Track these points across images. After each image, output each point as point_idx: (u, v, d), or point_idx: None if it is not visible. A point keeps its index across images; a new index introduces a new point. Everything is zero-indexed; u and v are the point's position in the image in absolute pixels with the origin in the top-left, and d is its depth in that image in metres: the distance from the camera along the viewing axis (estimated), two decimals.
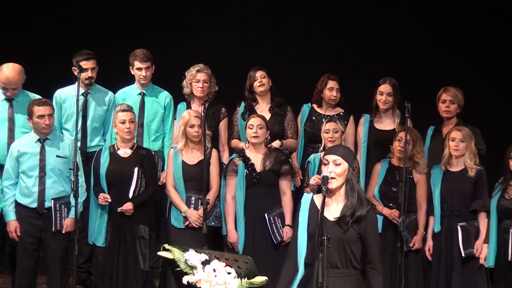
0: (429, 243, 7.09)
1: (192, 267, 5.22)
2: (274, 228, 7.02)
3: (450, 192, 7.03)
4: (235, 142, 7.70)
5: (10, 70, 7.23)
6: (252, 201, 7.06)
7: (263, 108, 7.68)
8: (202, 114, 6.85)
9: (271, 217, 7.02)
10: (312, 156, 7.26)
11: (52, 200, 6.91)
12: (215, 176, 7.17)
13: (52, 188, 6.95)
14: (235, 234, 7.04)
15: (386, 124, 7.63)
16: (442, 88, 7.56)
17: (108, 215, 7.07)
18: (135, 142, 7.25)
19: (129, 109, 7.13)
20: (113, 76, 8.07)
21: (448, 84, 7.56)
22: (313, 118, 7.68)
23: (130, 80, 7.85)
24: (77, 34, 9.25)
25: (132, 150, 7.13)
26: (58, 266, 6.96)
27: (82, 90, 7.43)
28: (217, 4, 9.45)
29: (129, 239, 7.03)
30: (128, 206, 6.97)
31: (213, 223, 7.12)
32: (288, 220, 7.07)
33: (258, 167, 7.09)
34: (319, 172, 6.75)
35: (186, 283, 5.20)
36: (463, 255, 6.92)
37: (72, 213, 6.91)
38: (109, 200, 6.97)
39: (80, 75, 7.04)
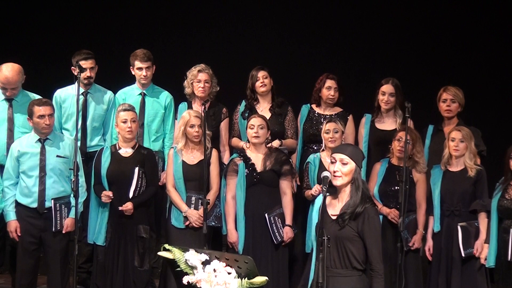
0: (429, 243, 7.09)
1: (192, 267, 5.22)
2: (275, 228, 7.01)
3: (450, 192, 7.03)
4: (235, 141, 7.70)
5: (9, 70, 7.23)
6: (253, 201, 7.06)
7: (264, 107, 7.68)
8: (202, 114, 6.85)
9: (272, 217, 7.02)
10: (311, 157, 7.25)
11: (52, 200, 6.91)
12: (215, 176, 7.17)
13: (52, 188, 6.95)
14: (235, 234, 7.04)
15: (387, 124, 7.63)
16: (442, 87, 7.56)
17: (108, 214, 7.06)
18: (136, 141, 7.26)
19: (131, 108, 7.14)
20: (113, 76, 8.07)
21: (448, 84, 7.56)
22: (312, 118, 7.67)
23: (131, 80, 7.85)
24: (77, 34, 9.25)
25: (134, 149, 7.14)
26: (58, 266, 6.96)
27: (82, 90, 7.42)
28: (217, 4, 9.45)
29: (129, 239, 7.03)
30: (127, 206, 6.97)
31: (213, 223, 7.12)
32: (288, 220, 7.07)
33: (259, 167, 7.10)
34: (320, 172, 6.77)
35: (186, 283, 5.20)
36: (463, 255, 6.92)
37: (72, 213, 6.91)
38: (112, 197, 6.97)
39: (80, 75, 7.03)
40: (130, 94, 7.80)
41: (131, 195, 7.02)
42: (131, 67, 7.77)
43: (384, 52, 9.16)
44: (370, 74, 8.64)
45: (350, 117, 7.68)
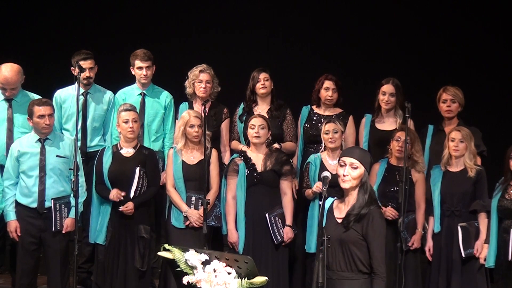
0: (429, 243, 7.08)
1: (192, 267, 5.22)
2: (275, 228, 7.01)
3: (450, 192, 7.03)
4: (234, 144, 7.69)
5: (8, 70, 7.23)
6: (253, 201, 7.06)
7: (262, 109, 7.66)
8: (203, 114, 6.85)
9: (272, 217, 7.02)
10: (312, 157, 7.25)
11: (52, 200, 6.91)
12: (215, 176, 7.17)
13: (52, 188, 6.95)
14: (235, 234, 7.04)
15: (387, 124, 7.62)
16: (441, 88, 7.56)
17: (109, 214, 7.06)
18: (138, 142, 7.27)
19: (132, 108, 7.14)
20: (113, 76, 8.07)
21: (448, 84, 7.56)
22: (313, 118, 7.67)
23: (131, 80, 7.85)
24: (76, 34, 9.25)
25: (135, 149, 7.14)
26: (58, 266, 6.96)
27: (82, 90, 7.42)
28: (218, 5, 9.45)
29: (130, 239, 7.03)
30: (128, 206, 6.97)
31: (213, 223, 7.13)
32: (288, 220, 7.07)
33: (259, 167, 7.10)
34: (320, 173, 6.76)
35: (186, 283, 5.20)
36: (463, 255, 6.92)
37: (72, 213, 6.91)
38: (123, 194, 6.96)
39: (80, 75, 7.03)
40: (130, 94, 7.80)
41: (132, 195, 7.02)
42: (131, 67, 7.77)
43: (384, 52, 9.16)
44: (370, 74, 8.64)
45: (350, 118, 7.68)
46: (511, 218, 6.77)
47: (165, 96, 7.80)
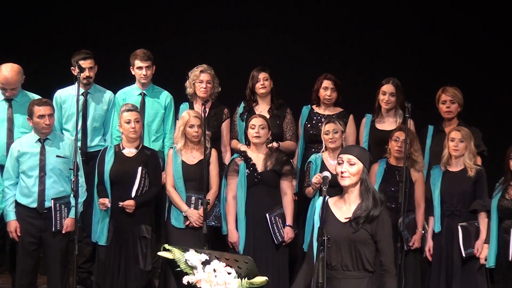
0: (429, 243, 7.08)
1: (192, 267, 5.22)
2: (275, 228, 7.01)
3: (450, 192, 7.03)
4: (234, 143, 7.69)
5: (8, 71, 7.23)
6: (253, 201, 7.06)
7: (263, 109, 7.67)
8: (203, 114, 6.85)
9: (272, 217, 7.02)
10: (313, 156, 7.26)
11: (52, 200, 6.92)
12: (215, 176, 7.17)
13: (52, 188, 6.95)
14: (236, 234, 7.04)
15: (387, 124, 7.62)
16: (440, 89, 7.56)
17: (110, 214, 7.06)
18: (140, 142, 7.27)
19: (134, 108, 7.15)
20: (113, 76, 8.07)
21: (448, 84, 7.56)
22: (313, 118, 7.67)
23: (131, 80, 7.85)
24: (77, 34, 9.24)
25: (137, 150, 7.15)
26: (58, 266, 6.96)
27: (82, 90, 7.42)
28: (218, 5, 9.44)
29: (131, 239, 7.03)
30: (129, 203, 6.97)
31: (213, 223, 7.13)
32: (289, 220, 7.07)
33: (260, 167, 7.10)
34: (321, 172, 6.76)
35: (186, 283, 5.20)
36: (463, 255, 6.92)
37: (72, 213, 6.91)
38: (108, 205, 6.97)
39: (80, 75, 7.03)
40: (130, 94, 7.80)
41: (133, 194, 7.02)
42: (131, 67, 7.77)
43: (384, 52, 9.16)
44: (370, 74, 8.64)
45: (351, 117, 7.68)
46: (511, 218, 6.77)
47: (165, 96, 7.80)
